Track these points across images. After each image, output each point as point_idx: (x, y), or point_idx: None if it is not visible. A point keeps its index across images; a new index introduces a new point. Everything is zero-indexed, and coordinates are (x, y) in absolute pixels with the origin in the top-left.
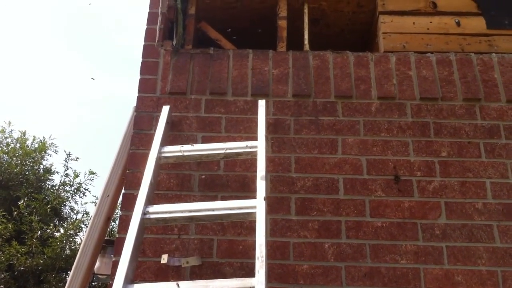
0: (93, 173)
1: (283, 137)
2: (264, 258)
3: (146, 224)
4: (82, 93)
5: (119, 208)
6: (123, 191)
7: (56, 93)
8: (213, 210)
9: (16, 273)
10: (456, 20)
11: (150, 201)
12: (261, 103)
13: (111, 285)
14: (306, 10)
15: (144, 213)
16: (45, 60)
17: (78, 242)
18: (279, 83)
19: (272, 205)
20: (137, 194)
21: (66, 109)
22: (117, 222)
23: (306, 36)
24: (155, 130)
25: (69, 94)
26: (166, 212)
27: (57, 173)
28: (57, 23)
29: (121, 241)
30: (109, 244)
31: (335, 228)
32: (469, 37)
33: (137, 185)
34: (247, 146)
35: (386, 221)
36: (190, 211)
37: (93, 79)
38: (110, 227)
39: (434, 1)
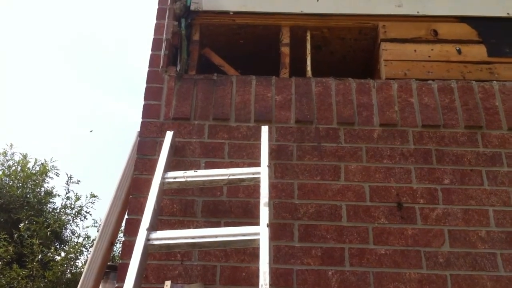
0: (94, 196)
1: (286, 163)
2: (267, 286)
3: (149, 250)
4: (83, 114)
5: (122, 233)
6: (126, 216)
7: (57, 114)
8: (216, 236)
9: None
10: (457, 48)
11: (153, 227)
12: (264, 129)
13: None
14: (308, 37)
15: (148, 239)
16: (46, 83)
17: (79, 266)
18: (282, 109)
19: (275, 231)
20: (140, 220)
21: (67, 131)
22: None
23: (308, 63)
24: (158, 155)
25: (70, 116)
26: (169, 238)
27: (58, 195)
28: (58, 45)
29: (124, 267)
30: (112, 270)
31: (339, 256)
32: (470, 65)
33: (140, 210)
34: (250, 172)
35: (390, 248)
36: (193, 237)
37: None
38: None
39: (435, 29)
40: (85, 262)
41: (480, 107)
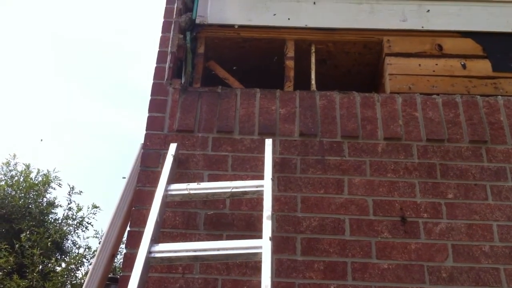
0: (96, 207)
1: (290, 176)
2: None
3: (151, 263)
4: (86, 126)
5: (124, 245)
6: (128, 228)
7: (59, 125)
8: (218, 250)
9: None
10: (462, 63)
11: (155, 239)
12: (268, 142)
13: None
14: (313, 51)
15: (150, 252)
16: (48, 92)
17: (79, 277)
18: (286, 123)
19: (278, 245)
20: (143, 232)
21: (70, 141)
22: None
23: (313, 76)
24: (162, 168)
25: (72, 127)
26: (171, 251)
27: (60, 206)
28: (59, 56)
29: (126, 279)
30: (113, 282)
31: (341, 270)
32: (474, 80)
33: (142, 222)
34: (253, 185)
35: (393, 263)
36: (195, 250)
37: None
38: (115, 263)
39: (440, 44)
40: (86, 273)
41: (485, 122)
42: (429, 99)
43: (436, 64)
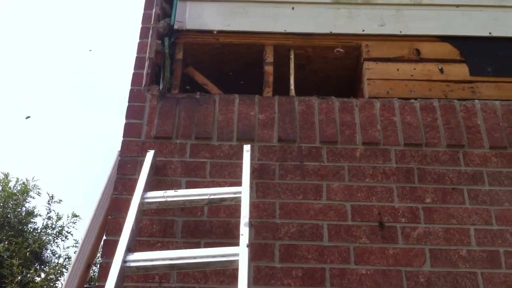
0: (76, 216)
1: (268, 182)
2: None
3: (126, 272)
4: (66, 134)
5: (100, 255)
6: (104, 237)
7: (39, 133)
8: (195, 258)
9: None
10: (440, 67)
11: (131, 248)
12: (246, 148)
13: None
14: (292, 56)
15: (125, 261)
16: (28, 100)
17: (59, 287)
18: (265, 128)
19: (256, 252)
20: (119, 241)
21: (50, 150)
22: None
23: (292, 82)
24: (139, 175)
25: (53, 135)
26: (147, 260)
27: (40, 215)
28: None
29: None
30: None
31: (320, 276)
32: (452, 84)
33: (119, 231)
34: (231, 191)
35: (371, 268)
36: (171, 259)
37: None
38: (92, 273)
39: (417, 49)
40: None
41: (462, 126)
42: (407, 103)
43: (414, 69)
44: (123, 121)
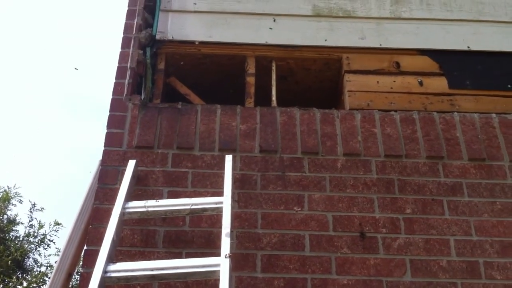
0: (58, 224)
1: (250, 192)
2: None
3: (106, 283)
4: (49, 142)
5: (81, 265)
6: (85, 247)
7: (22, 141)
8: (176, 268)
9: None
10: (419, 80)
11: (111, 258)
12: (228, 158)
13: None
14: (274, 68)
15: (105, 271)
16: (14, 109)
17: None
18: (247, 139)
19: (238, 262)
20: (99, 251)
21: (32, 158)
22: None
23: (274, 93)
24: (120, 185)
25: (35, 143)
26: (127, 271)
27: (21, 223)
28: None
29: None
30: None
31: (301, 286)
32: (431, 96)
33: (99, 241)
34: (212, 202)
35: (352, 278)
36: (152, 269)
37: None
38: (73, 282)
39: (397, 61)
40: None
41: (441, 138)
42: (387, 115)
43: (394, 81)
44: (100, 131)
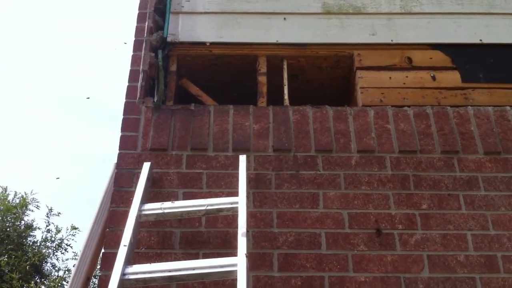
0: (75, 228)
1: (265, 191)
2: None
3: (125, 285)
4: (64, 148)
5: (99, 267)
6: (103, 250)
7: (37, 147)
8: (193, 269)
9: None
10: (432, 75)
11: (129, 261)
12: (242, 158)
13: None
14: (285, 66)
15: (123, 273)
16: (25, 115)
17: None
18: (260, 138)
19: (254, 261)
20: (117, 253)
21: (47, 163)
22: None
23: (286, 91)
24: (135, 187)
25: (50, 149)
26: (145, 272)
27: (39, 228)
28: (39, 77)
29: None
30: None
31: (319, 284)
32: (445, 91)
33: (117, 243)
34: (228, 202)
35: (370, 275)
36: (170, 270)
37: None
38: (92, 286)
39: (409, 57)
40: None
41: (456, 132)
42: (400, 111)
43: (406, 77)
44: (116, 134)
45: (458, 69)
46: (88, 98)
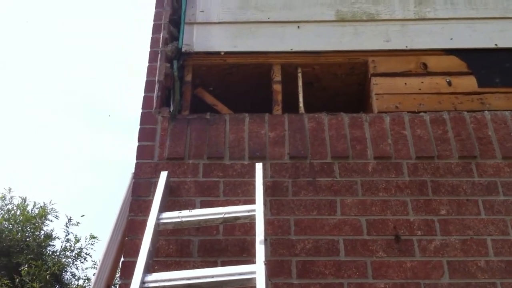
0: (94, 237)
1: (282, 199)
2: None
3: None
4: (80, 158)
5: (119, 276)
6: (122, 259)
7: (55, 157)
8: (212, 277)
9: None
10: (447, 80)
11: (148, 269)
12: (259, 166)
13: None
14: (300, 74)
15: (143, 282)
16: (42, 126)
17: None
18: (276, 146)
19: (273, 269)
20: (136, 262)
21: (65, 173)
22: None
23: (301, 99)
24: (153, 196)
25: (68, 159)
26: (165, 280)
27: (58, 238)
28: (53, 87)
29: None
30: None
31: None
32: (461, 96)
33: (136, 252)
34: (245, 210)
35: (389, 282)
36: (189, 278)
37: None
38: None
39: (424, 62)
40: None
41: (473, 137)
42: (416, 117)
43: (422, 82)
44: (129, 144)
45: (474, 74)
46: (110, 116)
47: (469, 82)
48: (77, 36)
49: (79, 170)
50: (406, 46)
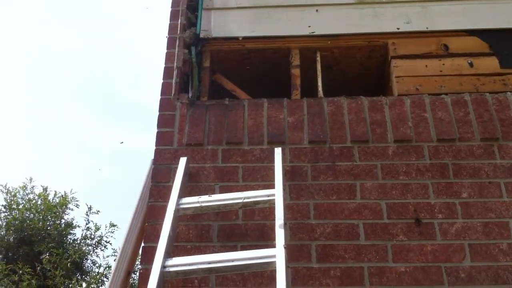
0: (113, 225)
1: (301, 184)
2: None
3: (165, 278)
4: (99, 147)
5: (139, 262)
6: (142, 244)
7: (74, 147)
8: (232, 261)
9: None
10: (469, 61)
11: (169, 254)
12: (278, 151)
13: None
14: (318, 58)
15: (164, 266)
16: (62, 117)
17: None
18: (295, 131)
19: (293, 253)
20: (157, 247)
21: (84, 162)
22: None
23: (319, 83)
24: (173, 182)
25: (86, 148)
26: (185, 265)
27: (79, 226)
28: (72, 80)
29: None
30: None
31: (358, 275)
32: (483, 77)
33: (156, 237)
34: (264, 194)
35: (410, 265)
36: (210, 262)
37: (122, 142)
38: (132, 280)
39: (445, 44)
40: None
41: (495, 119)
42: (437, 99)
43: (443, 64)
44: (147, 133)
45: (496, 55)
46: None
47: (491, 63)
48: (95, 27)
49: (99, 160)
50: (427, 28)
